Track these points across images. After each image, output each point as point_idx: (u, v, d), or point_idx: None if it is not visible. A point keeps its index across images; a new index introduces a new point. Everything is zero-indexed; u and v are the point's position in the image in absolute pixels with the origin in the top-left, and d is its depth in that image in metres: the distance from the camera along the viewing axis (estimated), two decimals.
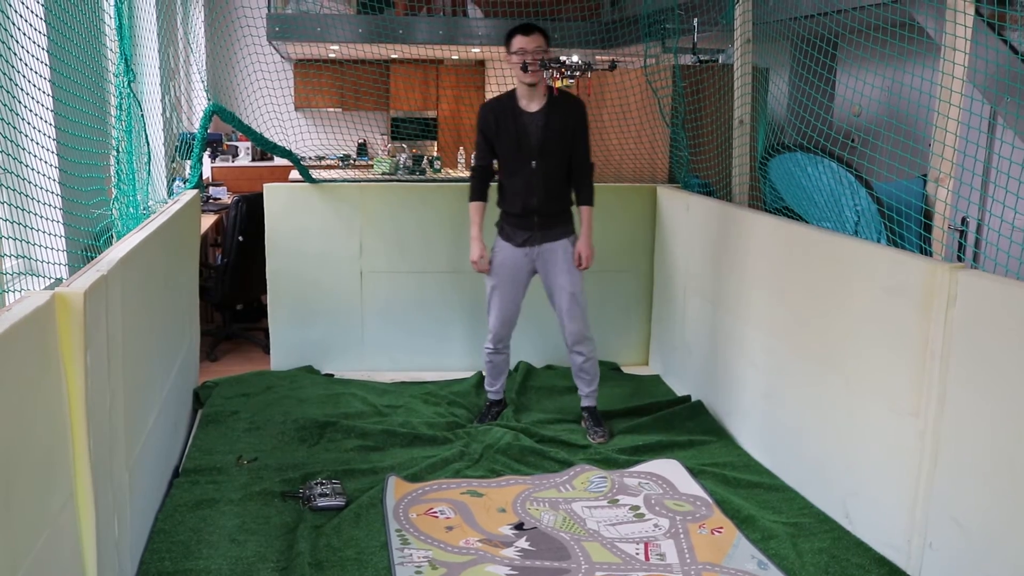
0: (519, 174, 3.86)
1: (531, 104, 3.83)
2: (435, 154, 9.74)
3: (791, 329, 3.53)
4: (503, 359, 4.16)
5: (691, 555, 2.99)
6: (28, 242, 2.52)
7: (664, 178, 5.29)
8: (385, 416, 4.18)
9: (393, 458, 3.73)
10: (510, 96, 3.89)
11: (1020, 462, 2.38)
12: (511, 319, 4.05)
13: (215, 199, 7.08)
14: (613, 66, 3.73)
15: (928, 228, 3.10)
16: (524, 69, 3.69)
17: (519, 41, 3.75)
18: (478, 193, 3.97)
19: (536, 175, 3.83)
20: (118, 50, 3.67)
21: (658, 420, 4.16)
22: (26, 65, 2.64)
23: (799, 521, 3.20)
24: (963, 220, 3.81)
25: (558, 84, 3.66)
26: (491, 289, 4.02)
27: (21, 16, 2.60)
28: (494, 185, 4.02)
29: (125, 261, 2.61)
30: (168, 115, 5.76)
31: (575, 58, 3.58)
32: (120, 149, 3.53)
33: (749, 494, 3.45)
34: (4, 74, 2.36)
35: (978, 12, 3.05)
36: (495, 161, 3.97)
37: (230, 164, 9.21)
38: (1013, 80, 3.32)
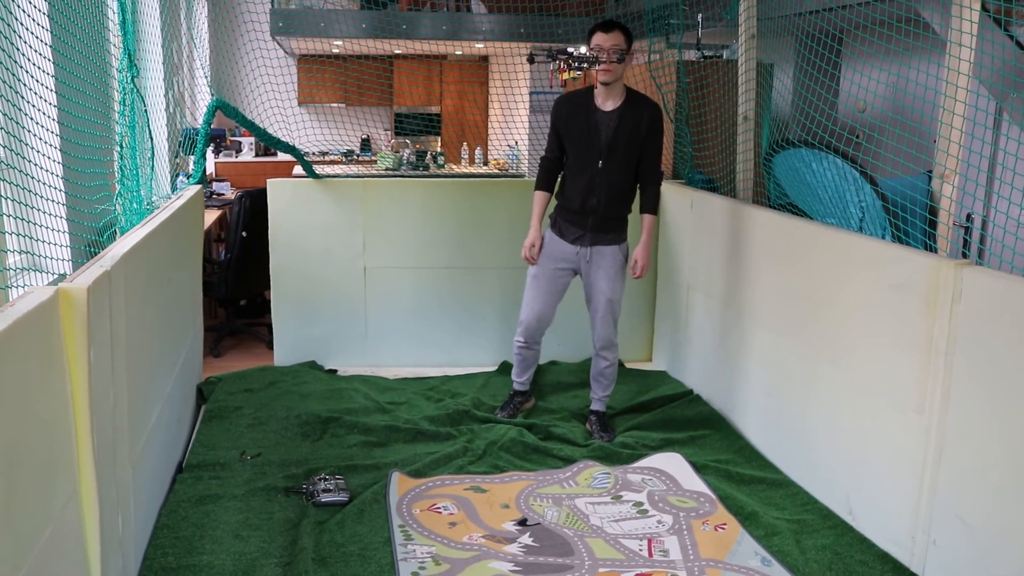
0: (584, 172, 3.79)
1: (606, 103, 3.75)
2: (439, 149, 9.73)
3: (795, 325, 3.52)
4: (534, 354, 4.14)
5: (694, 551, 2.99)
6: (32, 238, 2.52)
7: (668, 174, 5.28)
8: (388, 412, 4.18)
9: (396, 454, 3.73)
10: (587, 92, 3.82)
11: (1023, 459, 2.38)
12: (544, 315, 4.00)
13: (218, 194, 7.08)
14: (621, 58, 3.71)
15: (933, 224, 3.09)
16: (552, 58, 3.64)
17: (597, 38, 3.68)
18: (543, 184, 3.94)
19: (601, 175, 3.76)
20: (121, 45, 3.67)
21: (660, 415, 4.16)
22: (30, 61, 2.64)
23: (803, 518, 3.20)
24: (968, 216, 3.80)
25: (565, 76, 3.64)
26: (531, 278, 3.99)
27: (25, 12, 2.60)
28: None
29: (128, 257, 2.61)
30: (171, 110, 5.75)
31: (583, 49, 3.55)
32: (123, 144, 3.53)
33: (752, 490, 3.44)
34: (8, 70, 2.36)
35: (984, 7, 3.04)
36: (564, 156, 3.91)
37: (233, 159, 9.21)
38: (1019, 76, 3.31)
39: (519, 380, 4.20)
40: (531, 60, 3.66)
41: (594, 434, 3.98)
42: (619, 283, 3.91)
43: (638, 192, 3.91)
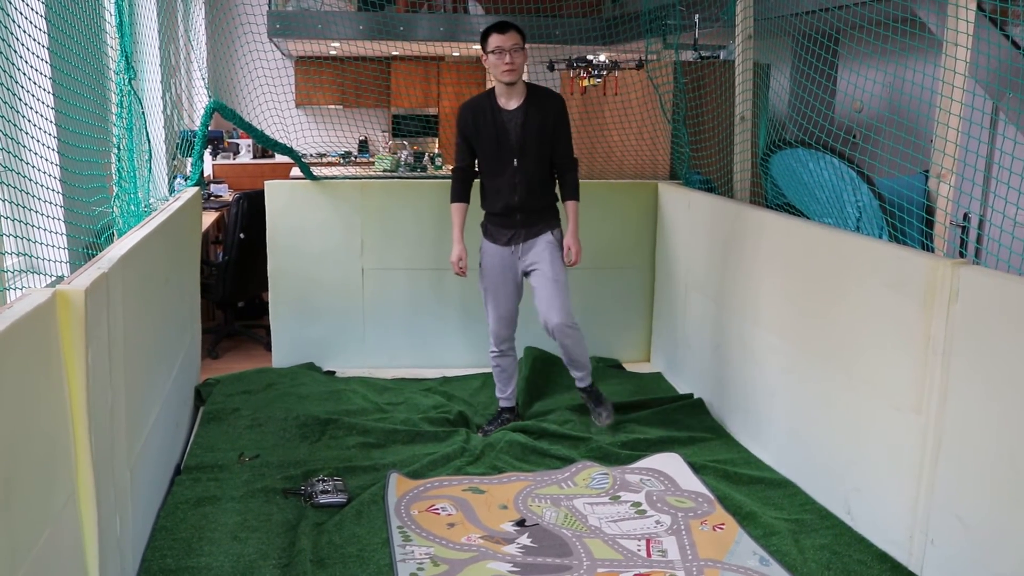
0: (500, 173, 3.82)
1: (510, 102, 3.80)
2: (436, 151, 9.73)
3: (793, 325, 3.53)
4: (509, 362, 4.10)
5: (693, 551, 2.99)
6: (30, 240, 2.53)
7: (665, 174, 5.29)
8: (386, 413, 4.18)
9: (394, 455, 3.73)
10: (489, 95, 3.86)
11: (1021, 458, 2.38)
12: (508, 319, 4.00)
13: (216, 196, 7.08)
14: (640, 65, 3.71)
15: (930, 224, 3.09)
16: (571, 67, 3.63)
17: (495, 39, 3.73)
18: (459, 195, 3.95)
19: (517, 173, 3.79)
20: (118, 47, 3.67)
21: (659, 416, 4.16)
22: (27, 63, 2.64)
23: (801, 517, 3.20)
24: (965, 216, 3.81)
25: (585, 83, 3.63)
26: (484, 292, 4.00)
27: (22, 14, 2.60)
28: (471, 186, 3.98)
29: (126, 259, 2.61)
30: (169, 112, 5.76)
31: (602, 57, 3.56)
32: (121, 147, 3.53)
33: (751, 490, 3.44)
34: (5, 72, 2.36)
35: (980, 7, 3.05)
36: (476, 162, 3.94)
37: (231, 161, 9.21)
38: (1015, 75, 3.32)
39: (503, 396, 4.15)
40: (551, 68, 3.68)
41: (592, 413, 4.01)
42: (560, 265, 3.87)
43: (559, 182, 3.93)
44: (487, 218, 3.97)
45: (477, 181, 3.99)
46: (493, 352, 4.07)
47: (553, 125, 3.81)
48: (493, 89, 3.86)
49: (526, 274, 3.95)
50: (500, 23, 3.80)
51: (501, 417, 4.13)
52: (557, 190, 3.97)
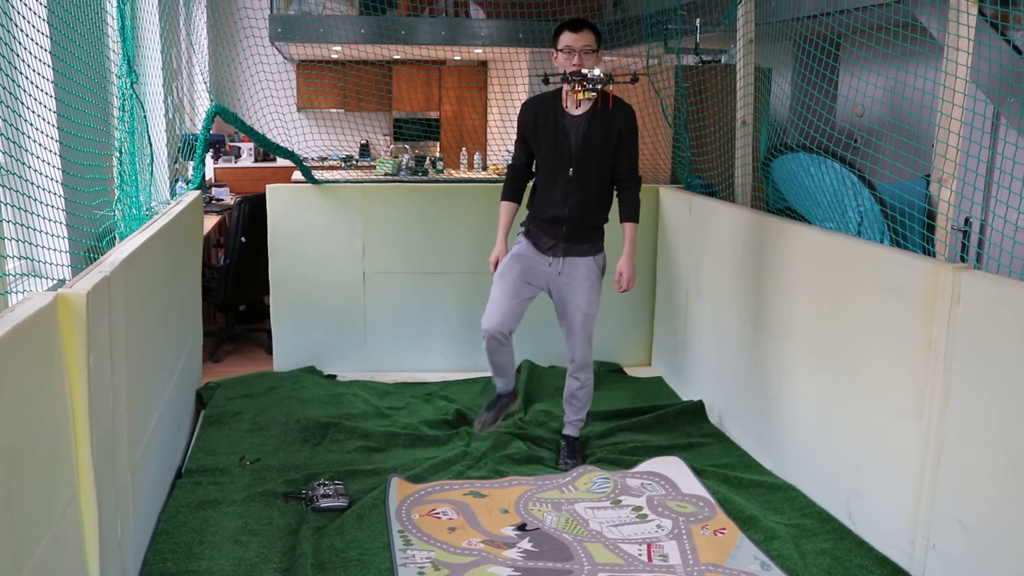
0: (555, 180, 3.55)
1: (576, 107, 3.53)
2: (437, 155, 9.74)
3: (794, 330, 3.53)
4: (504, 356, 3.74)
5: (694, 556, 2.99)
6: (31, 243, 2.53)
7: (667, 179, 5.29)
8: (387, 417, 4.18)
9: (395, 459, 3.73)
10: (555, 95, 3.58)
11: (1023, 462, 2.38)
12: (503, 326, 3.59)
13: (218, 200, 7.08)
14: (635, 79, 3.63)
15: (931, 229, 3.09)
16: (566, 80, 3.42)
17: (567, 38, 3.45)
18: (509, 193, 3.72)
19: (572, 184, 3.51)
20: (120, 51, 3.67)
21: (660, 420, 4.16)
22: (29, 67, 2.65)
23: (802, 522, 3.19)
24: (966, 220, 3.80)
25: (580, 96, 3.50)
26: (496, 277, 3.67)
27: (24, 18, 2.60)
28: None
29: (128, 262, 2.62)
30: (171, 116, 5.76)
31: (597, 71, 3.45)
32: (123, 150, 3.54)
33: (751, 494, 3.44)
34: (7, 75, 2.36)
35: (981, 12, 3.05)
36: (533, 163, 3.70)
37: (233, 165, 9.21)
38: (1016, 80, 3.32)
39: (500, 382, 3.92)
40: (545, 81, 3.56)
41: (560, 458, 3.76)
42: (595, 296, 3.62)
43: (615, 200, 3.67)
44: (531, 220, 3.67)
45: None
46: (487, 353, 3.72)
47: (618, 137, 3.51)
48: (561, 89, 3.57)
49: (542, 289, 3.68)
50: (574, 20, 3.51)
51: (499, 403, 3.90)
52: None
